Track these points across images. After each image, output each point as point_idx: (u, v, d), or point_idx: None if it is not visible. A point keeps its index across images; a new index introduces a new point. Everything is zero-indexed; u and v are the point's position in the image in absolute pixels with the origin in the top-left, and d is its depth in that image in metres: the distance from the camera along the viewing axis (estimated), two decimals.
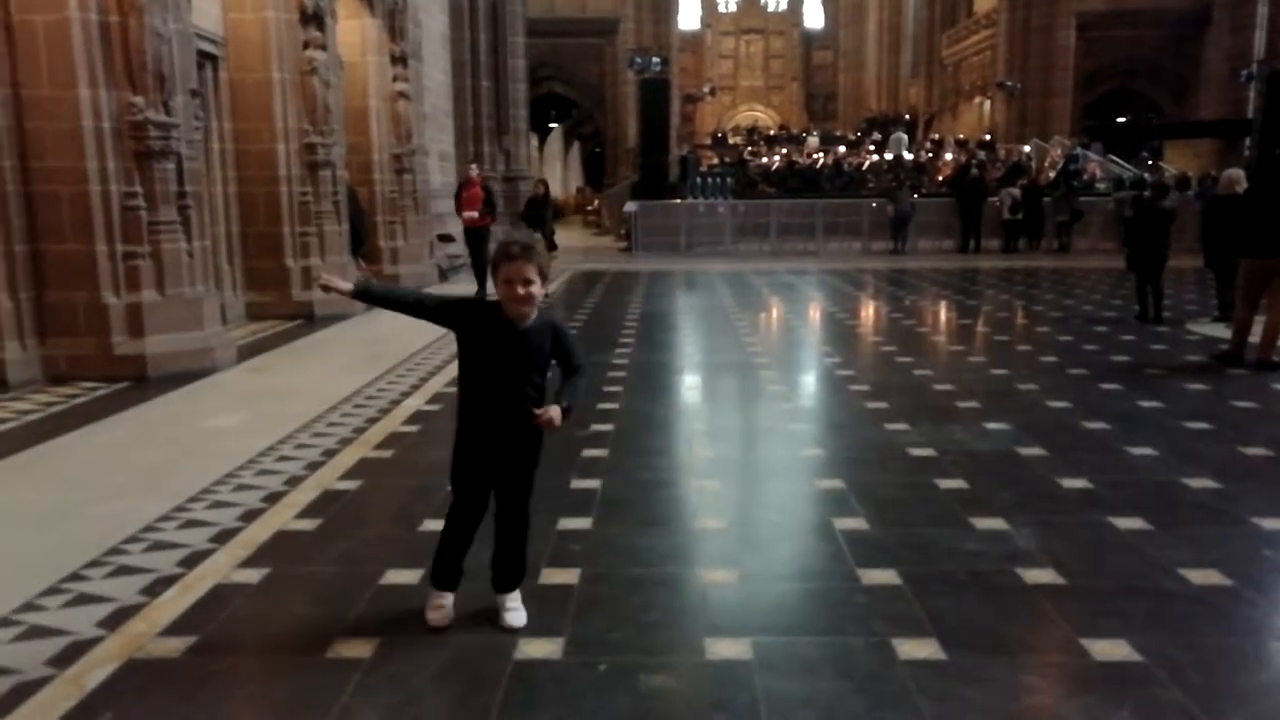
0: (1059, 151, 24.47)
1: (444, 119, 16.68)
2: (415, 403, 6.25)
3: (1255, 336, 7.42)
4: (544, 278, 2.88)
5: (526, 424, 2.93)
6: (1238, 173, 9.41)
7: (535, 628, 3.02)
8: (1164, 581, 3.36)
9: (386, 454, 5.08)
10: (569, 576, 3.43)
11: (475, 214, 12.06)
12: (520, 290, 2.81)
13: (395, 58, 12.65)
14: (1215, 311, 9.79)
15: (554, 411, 2.91)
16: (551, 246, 11.89)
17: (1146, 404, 6.13)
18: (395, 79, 12.72)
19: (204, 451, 5.09)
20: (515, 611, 3.06)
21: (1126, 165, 23.63)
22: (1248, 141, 22.96)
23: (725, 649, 2.88)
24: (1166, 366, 7.45)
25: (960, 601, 3.21)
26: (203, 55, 8.75)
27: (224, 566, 3.52)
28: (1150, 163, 24.26)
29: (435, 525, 3.93)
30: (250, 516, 4.05)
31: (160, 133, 6.87)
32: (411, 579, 3.42)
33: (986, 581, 3.36)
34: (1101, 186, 21.80)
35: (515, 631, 2.99)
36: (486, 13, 17.67)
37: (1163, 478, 4.55)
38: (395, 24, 12.58)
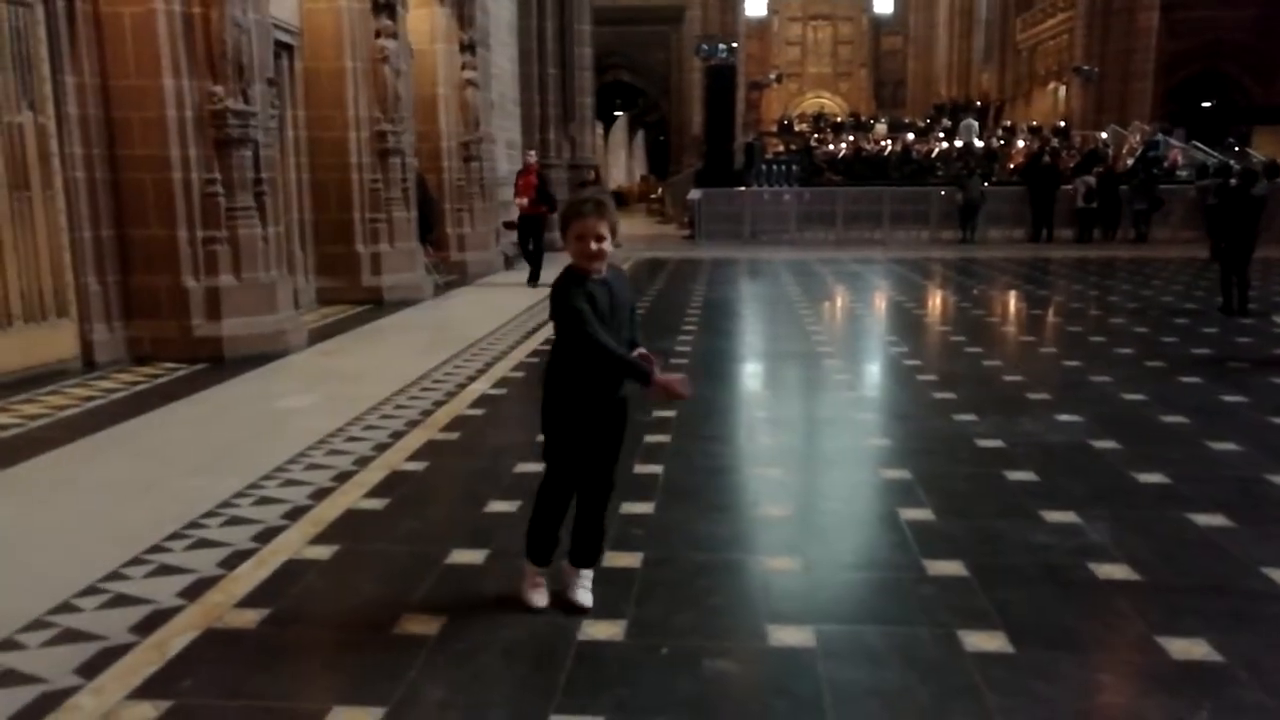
0: (1138, 138, 23.70)
1: (511, 107, 16.80)
2: (481, 387, 6.34)
3: None
4: (614, 233, 2.87)
5: (620, 384, 2.95)
6: None
7: (599, 610, 3.04)
8: (1247, 581, 3.24)
9: (453, 436, 5.16)
10: (632, 560, 3.45)
11: (525, 201, 12.06)
12: (593, 246, 2.80)
13: (464, 45, 12.77)
14: None
15: (671, 378, 2.92)
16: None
17: (1229, 398, 5.92)
18: (463, 67, 12.85)
19: (277, 431, 5.23)
20: (586, 591, 3.07)
21: (1211, 152, 22.77)
22: None
23: (788, 636, 2.87)
24: (1251, 359, 7.18)
25: (1030, 595, 3.14)
26: (279, 45, 8.95)
27: (296, 543, 3.62)
28: (1237, 149, 23.33)
29: (500, 507, 4.00)
30: (321, 495, 4.15)
31: (239, 121, 7.06)
32: (476, 559, 3.47)
33: (1057, 575, 3.29)
34: (1183, 174, 21.06)
35: (581, 611, 3.00)
36: (554, 1, 17.73)
37: (1246, 474, 4.39)
38: (464, 12, 12.70)
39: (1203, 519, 3.80)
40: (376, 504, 4.07)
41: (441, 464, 4.67)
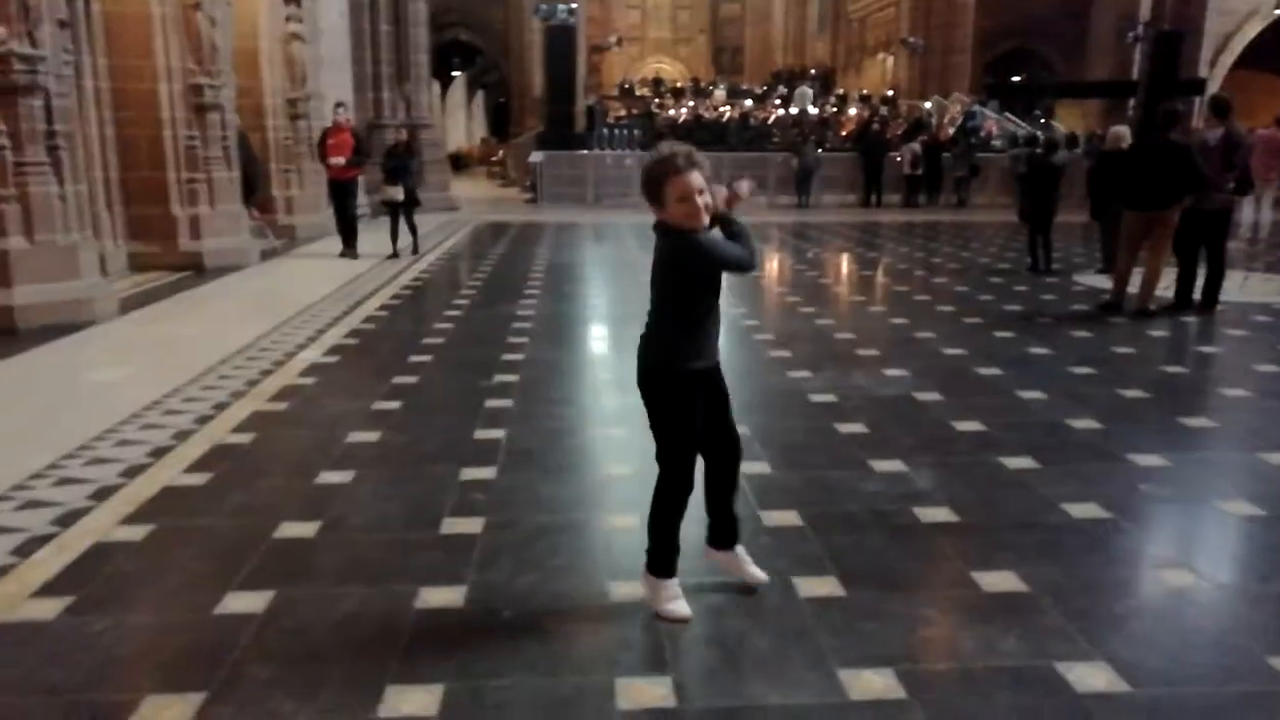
0: (958, 109, 25.02)
1: (342, 63, 16.01)
2: (312, 355, 6.05)
3: (1134, 287, 7.75)
4: (710, 183, 2.61)
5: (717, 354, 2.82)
6: (1123, 130, 9.76)
7: (438, 576, 2.97)
8: (1050, 516, 3.49)
9: (281, 407, 4.90)
10: (473, 525, 3.37)
11: (342, 160, 10.66)
12: (697, 201, 2.53)
13: None
14: (1100, 264, 10.19)
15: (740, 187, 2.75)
16: (414, 203, 10.87)
17: (1037, 350, 6.36)
18: (288, 19, 12.13)
19: (82, 406, 4.82)
20: (753, 564, 2.91)
21: (1021, 123, 24.30)
22: (1132, 101, 23.88)
23: (629, 591, 2.88)
24: (1055, 315, 7.74)
25: (860, 540, 3.28)
26: None
27: (104, 524, 3.35)
28: (1043, 121, 25.01)
29: (333, 477, 3.84)
30: (134, 472, 3.86)
31: (25, 66, 6.40)
32: (307, 531, 3.32)
33: (886, 521, 3.44)
34: (998, 144, 22.41)
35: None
36: None
37: (1050, 419, 4.73)
38: None
39: (1013, 462, 4.06)
40: (198, 479, 3.82)
41: (269, 435, 4.43)
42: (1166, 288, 7.97)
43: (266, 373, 5.56)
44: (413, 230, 10.96)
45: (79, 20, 8.48)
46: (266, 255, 10.81)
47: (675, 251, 2.64)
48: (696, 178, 2.53)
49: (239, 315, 7.42)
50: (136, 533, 3.29)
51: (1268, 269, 10.50)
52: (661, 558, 2.78)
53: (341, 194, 10.95)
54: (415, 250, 10.95)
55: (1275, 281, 9.55)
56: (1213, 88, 27.09)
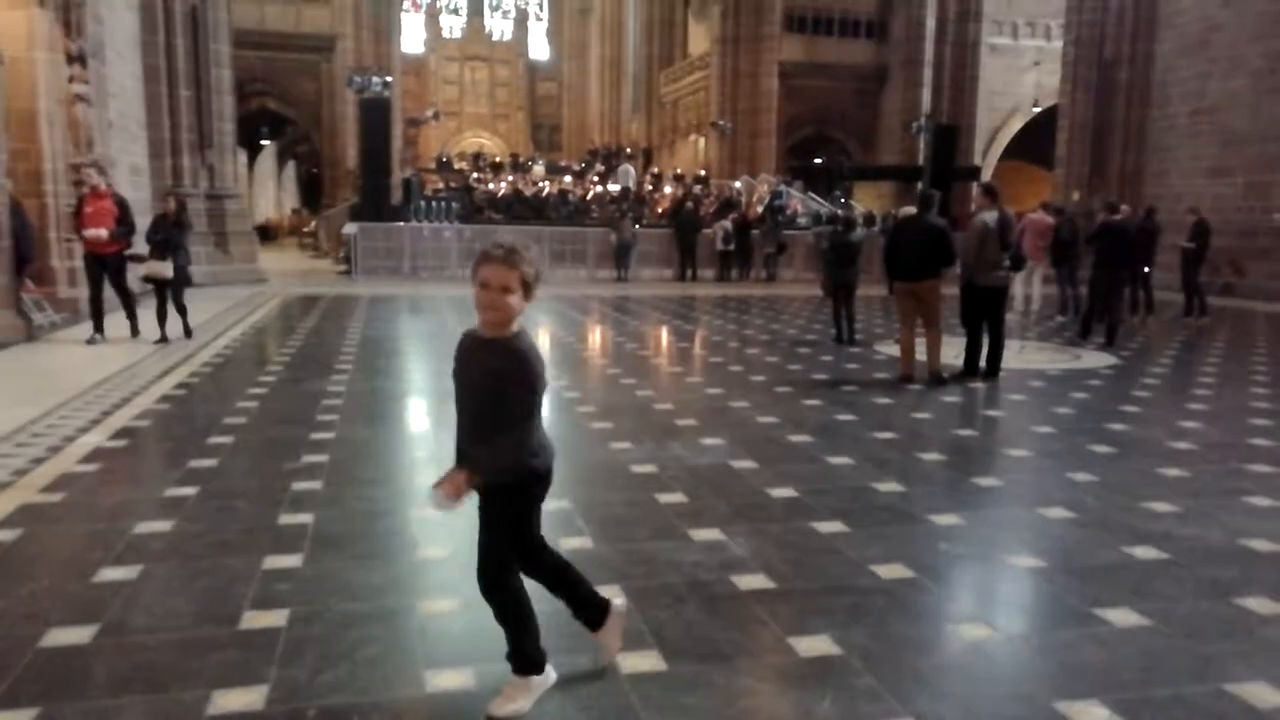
0: (765, 188, 26.46)
1: (136, 129, 15.15)
2: (94, 439, 5.54)
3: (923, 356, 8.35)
4: (529, 290, 2.50)
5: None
6: (912, 209, 10.60)
7: (234, 677, 2.73)
8: (859, 579, 3.63)
9: (56, 498, 4.43)
10: (276, 619, 3.14)
11: (103, 233, 9.17)
12: (492, 296, 2.46)
13: (72, 56, 11.28)
14: (898, 334, 10.91)
15: (456, 478, 2.48)
16: (184, 281, 9.62)
17: (843, 417, 6.68)
18: (72, 79, 11.34)
19: None
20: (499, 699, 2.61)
21: (823, 202, 25.99)
22: (919, 185, 26.05)
23: (446, 680, 2.75)
24: (859, 383, 8.19)
25: (681, 612, 3.28)
26: None
27: None
28: (843, 200, 26.85)
29: (113, 574, 3.50)
30: None
31: None
32: (82, 637, 2.98)
33: (705, 591, 3.47)
34: (803, 221, 23.81)
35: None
36: (185, 17, 16.24)
37: (858, 483, 4.95)
38: (71, 18, 11.23)
39: (825, 526, 4.21)
40: None
41: (38, 530, 3.99)
42: (956, 356, 8.62)
43: (38, 460, 5.03)
44: (181, 312, 9.65)
45: None
46: (42, 331, 9.91)
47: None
48: (505, 273, 2.47)
49: (8, 396, 6.72)
50: None
51: (1040, 338, 11.58)
52: (532, 651, 2.70)
53: (101, 271, 9.41)
54: (187, 334, 9.65)
55: (1046, 350, 10.53)
56: (986, 174, 30.07)
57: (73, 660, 2.85)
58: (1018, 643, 3.13)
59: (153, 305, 9.48)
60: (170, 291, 9.45)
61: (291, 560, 3.68)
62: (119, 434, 5.71)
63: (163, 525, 4.06)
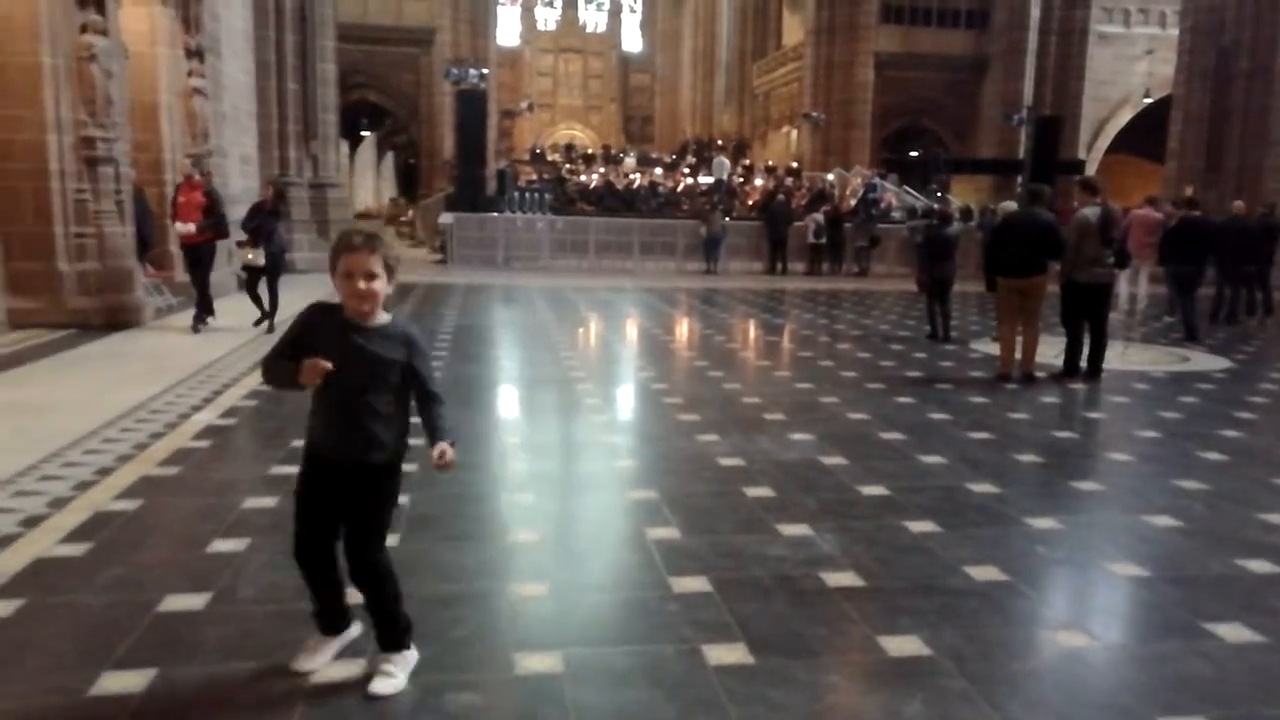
0: (859, 180, 26.04)
1: (246, 120, 15.77)
2: (207, 417, 5.81)
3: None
4: (392, 273, 2.56)
5: (367, 454, 2.59)
6: (1012, 205, 10.30)
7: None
8: (951, 579, 3.56)
9: (172, 471, 4.68)
10: None
11: (191, 227, 9.28)
12: (361, 285, 2.48)
13: (190, 51, 11.84)
14: (995, 331, 10.63)
15: (446, 450, 2.62)
16: (278, 269, 9.45)
17: (936, 416, 6.55)
18: (190, 74, 11.90)
19: None
20: (383, 678, 2.63)
21: (918, 195, 25.43)
22: (1019, 179, 25.25)
23: (535, 663, 2.80)
24: (953, 381, 8.01)
25: (768, 606, 3.27)
26: None
27: None
28: (939, 194, 26.23)
29: (224, 546, 3.67)
30: (3, 543, 3.61)
31: None
32: (196, 604, 3.14)
33: (792, 586, 3.45)
34: (896, 215, 23.35)
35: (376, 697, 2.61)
36: (294, 13, 16.86)
37: (950, 483, 4.85)
38: (190, 15, 11.77)
39: (915, 525, 4.14)
40: (74, 550, 3.59)
41: (157, 502, 4.21)
42: (1056, 356, 8.36)
43: (157, 435, 5.31)
44: (272, 302, 9.40)
45: None
46: (162, 313, 10.42)
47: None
48: (365, 259, 2.49)
49: (129, 376, 7.09)
50: (4, 609, 3.06)
51: (1145, 339, 11.12)
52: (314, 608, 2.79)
53: (194, 261, 9.56)
54: (270, 326, 9.26)
55: (1152, 351, 10.11)
56: (1091, 168, 28.98)
57: (186, 625, 3.00)
58: (1117, 652, 3.03)
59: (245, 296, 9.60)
60: (265, 279, 9.37)
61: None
62: (228, 413, 5.97)
63: (268, 501, 4.24)
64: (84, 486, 4.34)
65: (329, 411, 2.62)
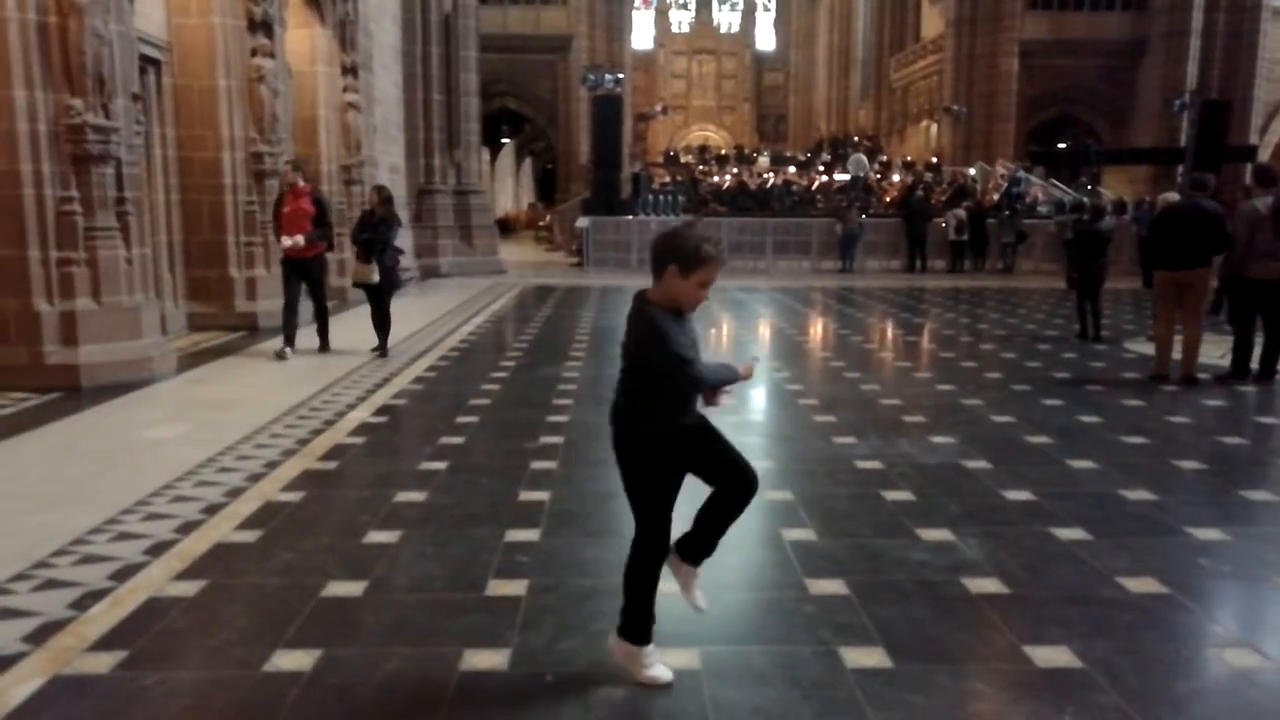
0: (1003, 174, 25.03)
1: (395, 131, 16.54)
2: (360, 415, 6.15)
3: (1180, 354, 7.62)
4: None
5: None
6: (1174, 196, 9.71)
7: (482, 639, 2.97)
8: (1104, 590, 3.41)
9: (330, 465, 4.98)
10: (516, 588, 3.38)
11: (299, 240, 8.07)
12: (707, 292, 2.75)
13: (345, 68, 12.53)
14: (1150, 330, 10.04)
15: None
16: (392, 286, 8.44)
17: (1086, 419, 6.25)
18: (345, 89, 12.60)
19: (140, 463, 4.94)
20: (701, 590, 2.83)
21: (1067, 189, 24.24)
22: (1180, 169, 23.72)
23: (674, 659, 2.86)
24: (1105, 383, 7.62)
25: (907, 610, 3.22)
26: (146, 60, 8.58)
27: (158, 580, 3.41)
28: (1089, 187, 24.91)
29: (379, 537, 3.88)
30: (187, 529, 3.94)
31: (99, 136, 6.71)
32: (354, 590, 3.35)
33: (933, 591, 3.39)
34: (1043, 210, 22.34)
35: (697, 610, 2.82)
36: (439, 27, 17.57)
37: (1102, 490, 4.64)
38: (346, 34, 12.46)
39: (1064, 533, 3.98)
40: (248, 536, 3.88)
41: (319, 494, 4.50)
42: (1223, 356, 7.84)
43: (317, 432, 5.66)
44: (384, 324, 8.42)
45: (150, 93, 8.90)
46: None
47: (646, 320, 2.75)
48: (717, 271, 2.69)
49: (291, 375, 7.57)
50: (189, 588, 3.34)
51: None
52: (637, 624, 2.75)
53: (301, 275, 8.29)
54: (382, 351, 8.39)
55: None
56: (1264, 155, 26.91)
57: (347, 610, 3.21)
58: None
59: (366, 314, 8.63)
60: (374, 299, 8.39)
61: (530, 534, 3.94)
62: (380, 411, 6.31)
63: (418, 495, 4.46)
64: (255, 478, 4.68)
65: (684, 398, 2.80)
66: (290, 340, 8.23)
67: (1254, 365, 7.57)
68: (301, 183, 8.39)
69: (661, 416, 2.74)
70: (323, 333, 8.58)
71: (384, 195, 8.57)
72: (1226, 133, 23.11)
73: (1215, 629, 3.16)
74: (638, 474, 2.77)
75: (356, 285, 8.62)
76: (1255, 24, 29.57)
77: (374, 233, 8.21)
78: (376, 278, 8.27)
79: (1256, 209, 7.41)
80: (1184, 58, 30.09)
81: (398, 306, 10.13)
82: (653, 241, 2.70)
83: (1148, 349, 9.15)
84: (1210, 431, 6.08)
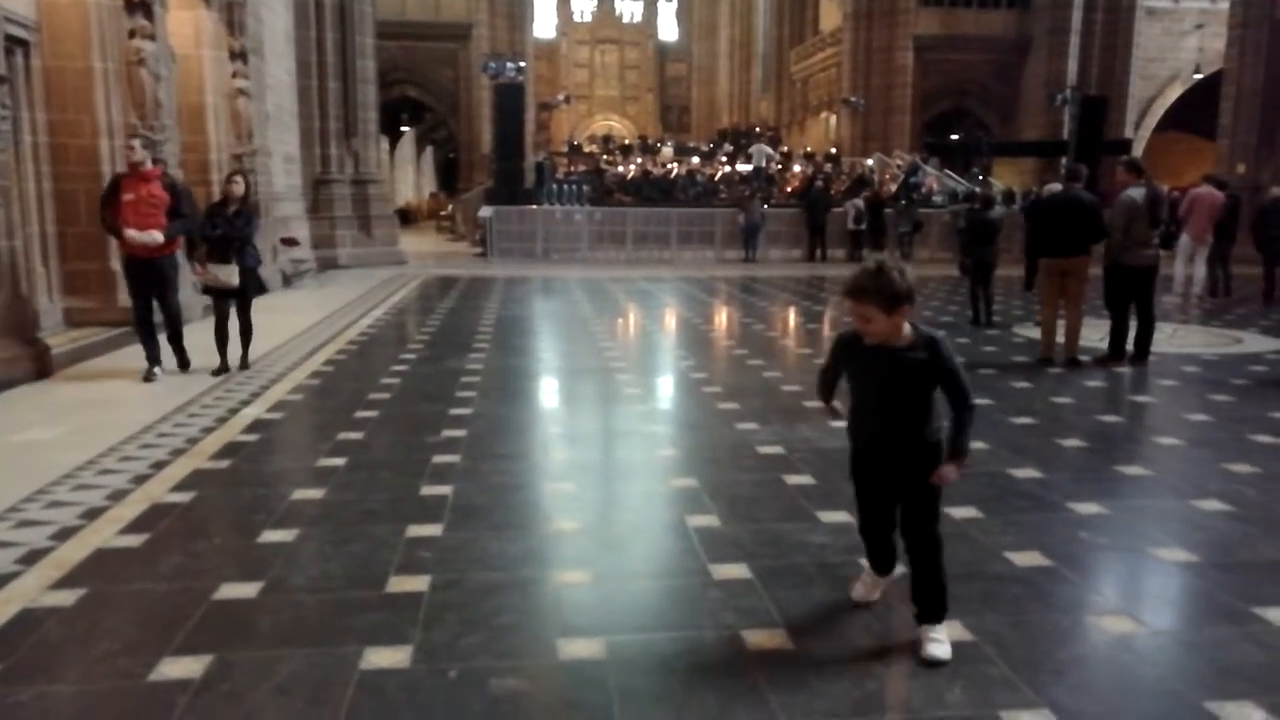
0: (899, 165, 25.75)
1: (289, 119, 16.01)
2: (255, 411, 5.94)
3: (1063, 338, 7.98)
4: (904, 302, 2.75)
5: (908, 444, 2.95)
6: (1057, 187, 10.13)
7: (383, 636, 2.91)
8: (993, 565, 3.55)
9: (223, 464, 4.80)
10: (418, 584, 3.32)
11: (156, 236, 6.66)
12: (864, 325, 2.83)
13: (234, 53, 12.02)
14: (1038, 315, 10.47)
15: (944, 471, 2.92)
16: (255, 289, 7.33)
17: (979, 401, 6.44)
18: (235, 75, 12.09)
19: (10, 467, 4.67)
20: (935, 643, 2.83)
21: (960, 180, 25.09)
22: (1064, 160, 24.81)
23: (579, 649, 2.85)
24: (996, 366, 7.92)
25: (808, 593, 3.29)
26: (11, 40, 8.06)
27: (33, 589, 3.23)
28: (981, 178, 25.85)
29: (275, 536, 3.76)
30: (65, 535, 3.74)
31: None
32: (249, 592, 3.23)
33: (833, 572, 3.46)
34: (938, 199, 23.07)
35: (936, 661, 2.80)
36: (334, 11, 17.06)
37: (993, 469, 4.82)
38: (234, 18, 11.96)
39: (957, 512, 4.12)
40: (133, 540, 3.71)
41: (209, 494, 4.33)
42: (1101, 339, 8.23)
43: (208, 430, 5.44)
44: (245, 333, 7.21)
45: (17, 75, 8.39)
46: (207, 309, 10.62)
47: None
48: (855, 308, 2.84)
49: (178, 371, 7.26)
50: (67, 597, 3.17)
51: (1198, 321, 10.89)
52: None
53: (148, 280, 6.90)
54: (244, 363, 7.20)
55: (1203, 334, 9.90)
56: (1139, 147, 28.38)
57: (241, 613, 3.09)
58: (1165, 638, 3.00)
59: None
60: (235, 304, 7.15)
61: (433, 529, 3.87)
62: (275, 407, 6.10)
63: (316, 493, 4.33)
64: (140, 480, 4.47)
65: (869, 409, 3.11)
66: (155, 358, 6.91)
67: (1130, 348, 7.97)
68: (148, 164, 6.89)
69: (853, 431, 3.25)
70: (179, 348, 7.11)
71: (247, 181, 7.30)
72: (1104, 126, 24.30)
73: (1095, 599, 3.31)
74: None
75: (207, 291, 7.22)
76: (1130, 23, 31.14)
77: (230, 228, 6.93)
78: (236, 280, 6.98)
79: (1134, 199, 7.79)
80: (1065, 55, 31.49)
81: (295, 299, 9.83)
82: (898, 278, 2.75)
83: (1035, 333, 9.55)
84: (1091, 411, 6.38)
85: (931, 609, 2.90)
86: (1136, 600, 3.36)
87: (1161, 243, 8.24)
